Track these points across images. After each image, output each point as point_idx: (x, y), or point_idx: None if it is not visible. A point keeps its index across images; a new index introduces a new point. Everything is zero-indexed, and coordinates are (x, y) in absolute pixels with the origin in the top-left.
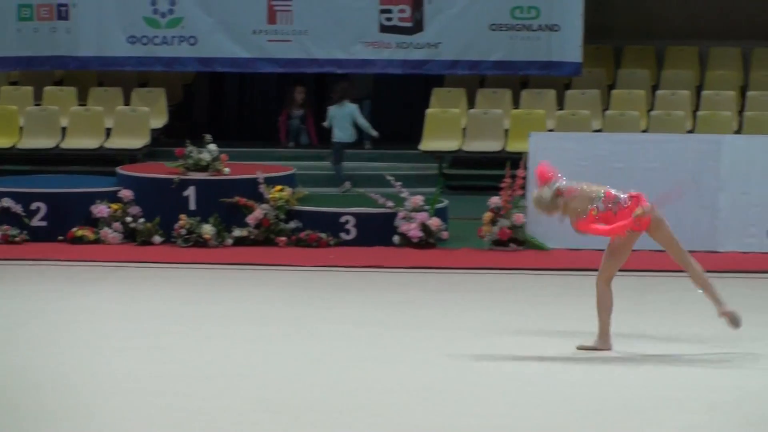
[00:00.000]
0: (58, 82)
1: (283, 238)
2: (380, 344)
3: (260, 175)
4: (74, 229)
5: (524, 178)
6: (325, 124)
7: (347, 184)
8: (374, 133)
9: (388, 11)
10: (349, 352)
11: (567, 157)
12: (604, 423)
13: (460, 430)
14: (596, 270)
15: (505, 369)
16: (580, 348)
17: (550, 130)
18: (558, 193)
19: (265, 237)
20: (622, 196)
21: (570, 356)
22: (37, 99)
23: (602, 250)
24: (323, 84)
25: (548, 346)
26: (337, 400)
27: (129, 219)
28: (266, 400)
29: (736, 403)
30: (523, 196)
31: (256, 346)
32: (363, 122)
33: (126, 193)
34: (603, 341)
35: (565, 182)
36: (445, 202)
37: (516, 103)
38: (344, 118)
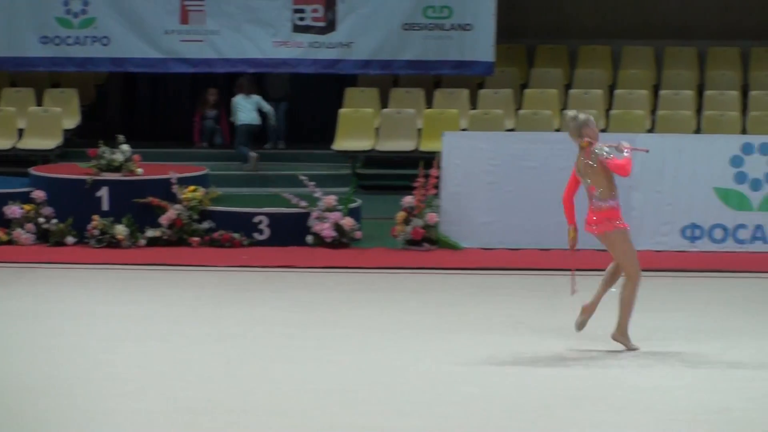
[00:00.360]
0: None
1: (197, 239)
2: (294, 345)
3: (173, 176)
4: None
5: (437, 177)
6: (232, 118)
7: (252, 156)
8: (273, 121)
9: (301, 11)
10: (262, 352)
11: (480, 156)
12: (518, 422)
13: (368, 430)
14: (508, 269)
15: (420, 368)
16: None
17: (464, 130)
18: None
19: (178, 237)
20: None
21: (482, 356)
22: None
23: (513, 249)
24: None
25: (460, 345)
26: (245, 400)
27: (42, 220)
28: (179, 401)
29: (648, 401)
30: (436, 195)
31: (169, 347)
32: (268, 108)
33: (39, 194)
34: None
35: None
36: (359, 202)
37: (429, 103)
38: (249, 105)
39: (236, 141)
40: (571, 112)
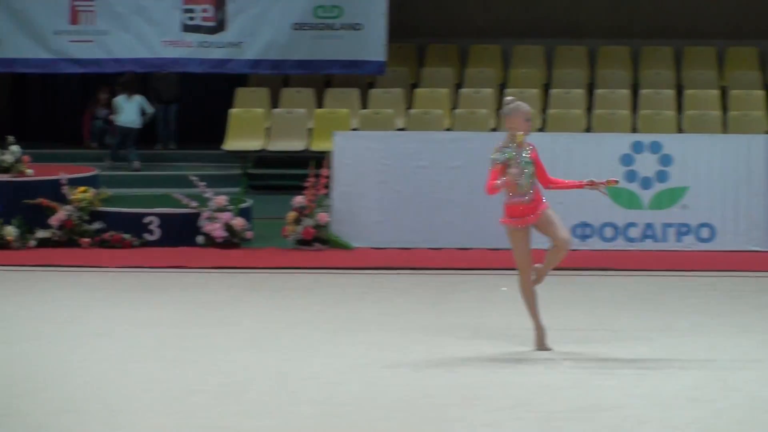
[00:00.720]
0: None
1: (87, 240)
2: (184, 345)
3: (63, 177)
4: None
5: (328, 177)
6: (113, 117)
7: (136, 164)
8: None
9: (191, 11)
10: (152, 353)
11: (371, 156)
12: (409, 420)
13: (253, 431)
14: (399, 268)
15: (313, 368)
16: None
17: (354, 129)
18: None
19: (68, 238)
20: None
21: (373, 356)
22: None
23: (405, 248)
24: None
25: (350, 345)
26: (132, 400)
27: None
28: (72, 402)
29: (538, 399)
30: (327, 195)
31: (60, 348)
32: (150, 111)
33: None
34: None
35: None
36: (249, 202)
37: (320, 103)
38: (132, 106)
39: (117, 142)
40: (522, 106)
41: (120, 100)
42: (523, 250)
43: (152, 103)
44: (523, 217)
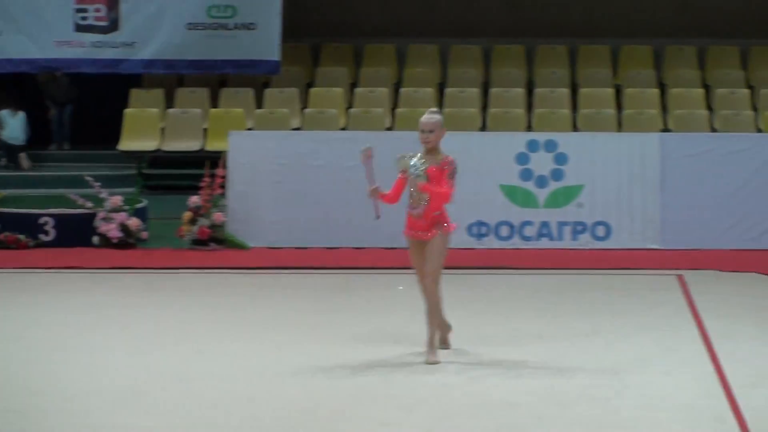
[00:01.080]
0: None
1: None
2: (79, 346)
3: None
4: None
5: (224, 177)
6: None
7: (26, 164)
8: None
9: (84, 10)
10: (49, 355)
11: (267, 155)
12: (305, 419)
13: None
14: (295, 267)
15: (210, 368)
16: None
17: (250, 129)
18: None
19: None
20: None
21: (269, 357)
22: None
23: (301, 248)
24: (22, 84)
25: (247, 343)
26: (28, 402)
27: None
28: None
29: (435, 397)
30: (222, 195)
31: None
32: (24, 130)
33: None
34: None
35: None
36: (145, 202)
37: (215, 102)
38: (16, 123)
39: (5, 159)
40: (433, 108)
41: (4, 114)
42: (413, 259)
43: (47, 104)
44: (411, 228)
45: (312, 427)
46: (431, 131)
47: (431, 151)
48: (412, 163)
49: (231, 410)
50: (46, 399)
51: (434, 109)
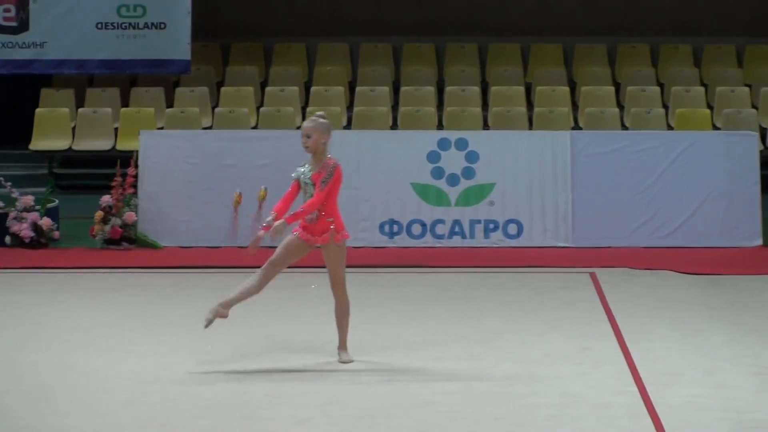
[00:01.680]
0: None
1: None
2: None
3: None
4: None
5: (135, 176)
6: None
7: None
8: None
9: None
10: None
11: (177, 155)
12: (221, 419)
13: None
14: (207, 267)
15: (125, 368)
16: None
17: (161, 128)
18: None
19: None
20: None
21: (182, 356)
22: None
23: (213, 247)
24: None
25: (160, 343)
26: None
27: None
28: None
29: (349, 397)
30: (134, 194)
31: None
32: None
33: None
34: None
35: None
36: (56, 202)
37: (125, 102)
38: None
39: None
40: (320, 112)
41: None
42: (293, 257)
43: None
44: (305, 231)
45: (226, 425)
46: (308, 136)
47: (315, 156)
48: (302, 171)
49: (141, 411)
50: None
51: (319, 113)
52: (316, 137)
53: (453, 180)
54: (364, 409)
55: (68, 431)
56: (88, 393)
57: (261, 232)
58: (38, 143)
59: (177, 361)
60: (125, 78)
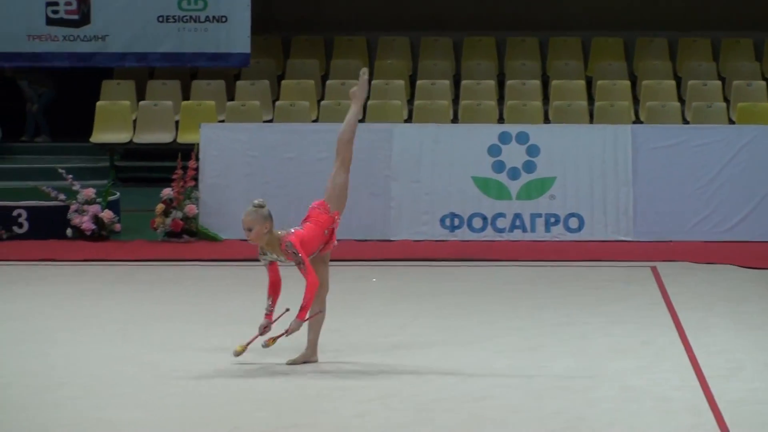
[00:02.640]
0: None
1: None
2: (51, 338)
3: None
4: None
5: (196, 169)
6: None
7: None
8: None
9: (55, 4)
10: (18, 346)
11: (238, 147)
12: (280, 412)
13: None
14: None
15: (184, 361)
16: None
17: (221, 121)
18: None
19: None
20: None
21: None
22: None
23: None
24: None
25: (220, 336)
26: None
27: None
28: None
29: (408, 389)
30: (195, 187)
31: None
32: None
33: None
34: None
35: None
36: (117, 195)
37: (186, 95)
38: None
39: None
40: (256, 201)
41: None
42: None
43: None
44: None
45: (286, 417)
46: (249, 229)
47: (267, 245)
48: (272, 257)
49: (200, 404)
50: (19, 391)
51: (256, 202)
52: (258, 229)
53: (514, 174)
54: (423, 402)
55: (124, 424)
56: (145, 386)
57: (265, 321)
58: (99, 136)
59: (229, 351)
60: (186, 71)
